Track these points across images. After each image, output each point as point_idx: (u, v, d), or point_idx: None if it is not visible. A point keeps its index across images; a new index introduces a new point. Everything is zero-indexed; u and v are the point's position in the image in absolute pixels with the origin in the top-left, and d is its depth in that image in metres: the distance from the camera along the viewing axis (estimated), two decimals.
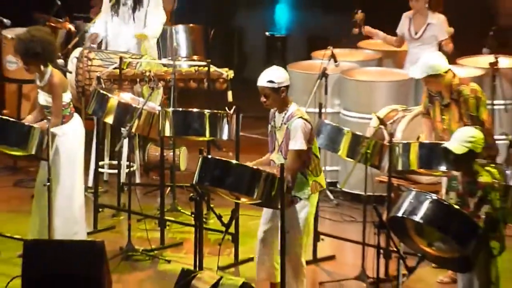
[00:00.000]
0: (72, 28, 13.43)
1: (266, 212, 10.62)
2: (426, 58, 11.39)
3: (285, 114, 10.56)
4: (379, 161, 11.19)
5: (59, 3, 13.65)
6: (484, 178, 9.55)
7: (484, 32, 13.18)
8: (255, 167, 10.42)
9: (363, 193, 11.60)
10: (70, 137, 11.35)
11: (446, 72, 11.17)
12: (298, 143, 10.47)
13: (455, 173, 9.91)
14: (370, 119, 11.58)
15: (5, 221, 12.06)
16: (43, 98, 11.37)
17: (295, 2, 16.60)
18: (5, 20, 13.78)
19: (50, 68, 11.31)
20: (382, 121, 11.25)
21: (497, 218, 9.55)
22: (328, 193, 12.95)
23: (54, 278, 10.20)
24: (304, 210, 10.50)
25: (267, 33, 14.80)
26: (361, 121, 12.29)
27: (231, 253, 11.50)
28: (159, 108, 11.99)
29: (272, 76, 10.48)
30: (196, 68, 12.66)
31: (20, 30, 13.25)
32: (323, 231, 11.97)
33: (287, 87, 10.52)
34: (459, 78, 11.34)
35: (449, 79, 11.24)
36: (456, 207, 9.46)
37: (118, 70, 12.38)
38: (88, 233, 11.83)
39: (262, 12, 16.55)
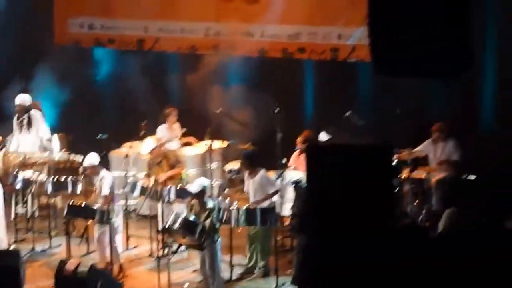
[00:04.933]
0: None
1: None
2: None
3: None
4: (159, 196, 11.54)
5: None
6: (209, 204, 10.33)
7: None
8: None
9: (149, 213, 12.16)
10: None
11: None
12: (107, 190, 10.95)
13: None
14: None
15: None
16: None
17: None
18: None
19: None
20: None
21: (214, 224, 10.30)
22: (133, 215, 12.73)
23: None
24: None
25: None
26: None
27: (85, 249, 11.70)
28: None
29: None
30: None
31: None
32: (131, 233, 12.17)
33: None
34: (169, 150, 12.14)
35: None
36: (192, 220, 10.18)
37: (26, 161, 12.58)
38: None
39: None
